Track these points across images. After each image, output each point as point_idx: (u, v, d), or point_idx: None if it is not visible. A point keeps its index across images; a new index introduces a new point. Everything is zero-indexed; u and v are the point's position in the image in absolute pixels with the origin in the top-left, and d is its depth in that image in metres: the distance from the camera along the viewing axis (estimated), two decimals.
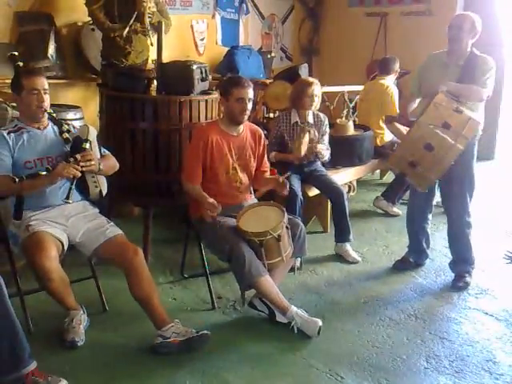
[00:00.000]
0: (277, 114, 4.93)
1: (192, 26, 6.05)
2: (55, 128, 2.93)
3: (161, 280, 3.54)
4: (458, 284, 3.60)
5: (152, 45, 4.21)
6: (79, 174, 2.73)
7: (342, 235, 4.06)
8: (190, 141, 3.39)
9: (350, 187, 5.32)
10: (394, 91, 5.21)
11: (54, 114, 2.97)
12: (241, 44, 6.55)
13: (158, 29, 4.01)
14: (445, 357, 2.84)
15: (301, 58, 7.46)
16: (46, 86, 2.84)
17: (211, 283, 3.30)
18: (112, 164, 3.03)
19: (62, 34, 4.73)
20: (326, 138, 4.22)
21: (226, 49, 6.18)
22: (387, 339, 2.99)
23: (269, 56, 6.65)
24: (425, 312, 3.29)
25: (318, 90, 4.07)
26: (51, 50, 4.45)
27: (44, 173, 2.70)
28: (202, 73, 3.66)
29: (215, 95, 3.78)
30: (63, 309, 2.85)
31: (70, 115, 4.06)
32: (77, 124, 3.42)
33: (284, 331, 2.97)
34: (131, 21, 4.04)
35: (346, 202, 4.03)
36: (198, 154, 3.18)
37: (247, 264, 2.90)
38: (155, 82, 3.76)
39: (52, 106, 2.99)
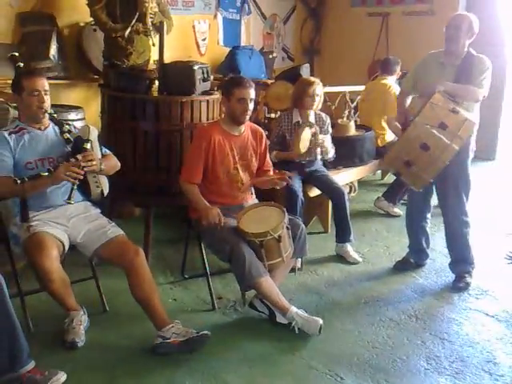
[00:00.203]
0: (278, 114, 4.92)
1: (194, 27, 6.07)
2: (56, 128, 2.93)
3: (161, 280, 3.55)
4: (459, 284, 3.60)
5: (154, 45, 4.23)
6: (81, 177, 2.74)
7: (342, 236, 4.05)
8: (192, 141, 3.40)
9: (350, 188, 5.32)
10: (397, 91, 5.19)
11: (55, 115, 2.97)
12: (242, 44, 6.56)
13: (159, 29, 4.03)
14: (445, 358, 2.84)
15: (302, 58, 7.47)
16: (47, 87, 2.84)
17: (212, 284, 3.30)
18: (113, 164, 3.03)
19: (64, 35, 4.75)
20: (329, 137, 4.19)
21: (228, 49, 6.19)
22: (387, 340, 2.99)
23: (270, 56, 6.66)
24: (425, 313, 3.29)
25: (319, 89, 4.06)
26: (53, 50, 4.47)
27: (45, 174, 2.69)
28: (203, 73, 3.66)
29: (217, 95, 3.77)
30: (63, 309, 2.84)
31: (72, 116, 4.08)
32: (78, 124, 3.43)
33: (284, 332, 2.97)
34: (133, 21, 4.05)
35: (347, 203, 4.03)
36: (200, 154, 3.17)
37: (247, 264, 2.90)
38: (157, 82, 3.77)
39: (54, 106, 3.00)
